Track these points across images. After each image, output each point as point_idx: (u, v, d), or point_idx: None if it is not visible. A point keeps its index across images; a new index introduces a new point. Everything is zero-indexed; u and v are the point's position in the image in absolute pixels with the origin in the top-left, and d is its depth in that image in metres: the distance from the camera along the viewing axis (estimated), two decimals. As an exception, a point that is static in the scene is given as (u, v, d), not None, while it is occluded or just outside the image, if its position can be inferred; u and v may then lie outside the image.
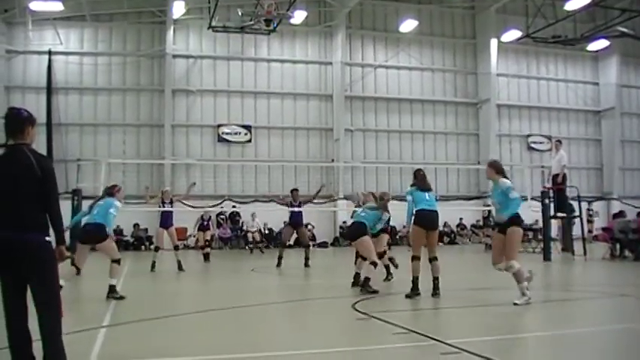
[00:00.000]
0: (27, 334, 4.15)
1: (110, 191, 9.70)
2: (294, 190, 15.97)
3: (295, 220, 15.58)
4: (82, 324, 6.55)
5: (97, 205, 9.36)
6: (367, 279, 9.53)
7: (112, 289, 8.97)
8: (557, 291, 10.70)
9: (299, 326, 7.14)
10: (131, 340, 6.19)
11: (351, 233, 10.27)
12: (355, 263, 12.71)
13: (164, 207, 14.74)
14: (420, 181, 9.33)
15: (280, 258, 14.92)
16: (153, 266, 14.08)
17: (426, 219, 8.97)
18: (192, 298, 10.14)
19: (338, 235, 26.64)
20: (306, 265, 14.80)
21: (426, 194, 9.14)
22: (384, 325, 6.73)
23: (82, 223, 9.66)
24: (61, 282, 8.65)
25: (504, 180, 8.31)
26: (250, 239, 22.65)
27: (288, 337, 6.43)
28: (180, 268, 14.11)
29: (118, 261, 9.23)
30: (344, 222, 25.88)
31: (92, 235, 9.10)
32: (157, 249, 14.71)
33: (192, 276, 13.81)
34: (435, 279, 8.95)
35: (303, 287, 10.66)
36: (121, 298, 8.86)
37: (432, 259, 9.09)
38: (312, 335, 6.55)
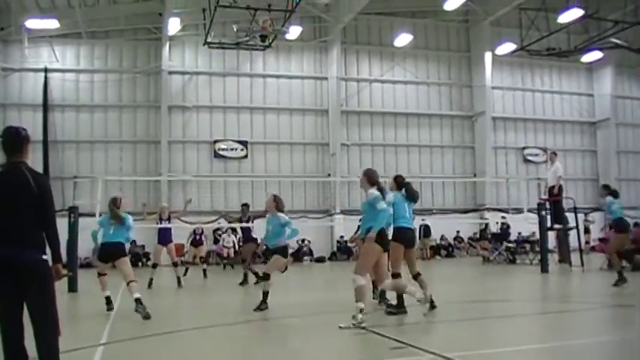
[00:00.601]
0: (23, 352, 4.12)
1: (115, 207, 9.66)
2: (244, 205, 15.51)
3: (246, 236, 15.03)
4: (79, 342, 6.51)
5: (112, 225, 9.46)
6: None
7: (139, 302, 8.70)
8: (555, 302, 10.70)
9: (298, 342, 7.11)
10: (129, 358, 6.16)
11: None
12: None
13: (162, 224, 14.75)
14: (410, 190, 8.86)
15: (256, 275, 13.75)
16: (150, 283, 13.99)
17: (405, 237, 8.65)
18: (191, 314, 10.10)
19: (335, 249, 26.60)
20: (257, 282, 13.34)
21: (408, 210, 8.77)
22: (381, 340, 6.71)
23: (99, 242, 9.88)
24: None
25: (372, 191, 8.02)
26: (225, 255, 22.69)
27: (287, 353, 6.40)
28: (179, 284, 14.16)
29: (134, 281, 9.10)
30: (341, 236, 25.87)
31: (112, 252, 9.36)
32: (154, 266, 14.68)
33: (190, 292, 13.75)
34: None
35: (300, 303, 10.61)
36: (147, 317, 8.49)
37: (415, 276, 8.77)
38: (310, 351, 6.53)
